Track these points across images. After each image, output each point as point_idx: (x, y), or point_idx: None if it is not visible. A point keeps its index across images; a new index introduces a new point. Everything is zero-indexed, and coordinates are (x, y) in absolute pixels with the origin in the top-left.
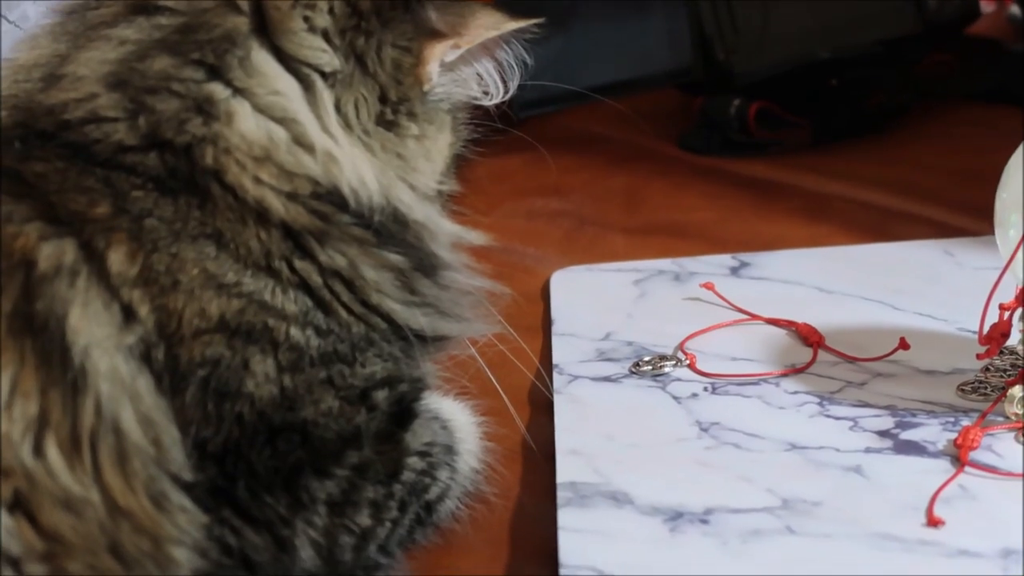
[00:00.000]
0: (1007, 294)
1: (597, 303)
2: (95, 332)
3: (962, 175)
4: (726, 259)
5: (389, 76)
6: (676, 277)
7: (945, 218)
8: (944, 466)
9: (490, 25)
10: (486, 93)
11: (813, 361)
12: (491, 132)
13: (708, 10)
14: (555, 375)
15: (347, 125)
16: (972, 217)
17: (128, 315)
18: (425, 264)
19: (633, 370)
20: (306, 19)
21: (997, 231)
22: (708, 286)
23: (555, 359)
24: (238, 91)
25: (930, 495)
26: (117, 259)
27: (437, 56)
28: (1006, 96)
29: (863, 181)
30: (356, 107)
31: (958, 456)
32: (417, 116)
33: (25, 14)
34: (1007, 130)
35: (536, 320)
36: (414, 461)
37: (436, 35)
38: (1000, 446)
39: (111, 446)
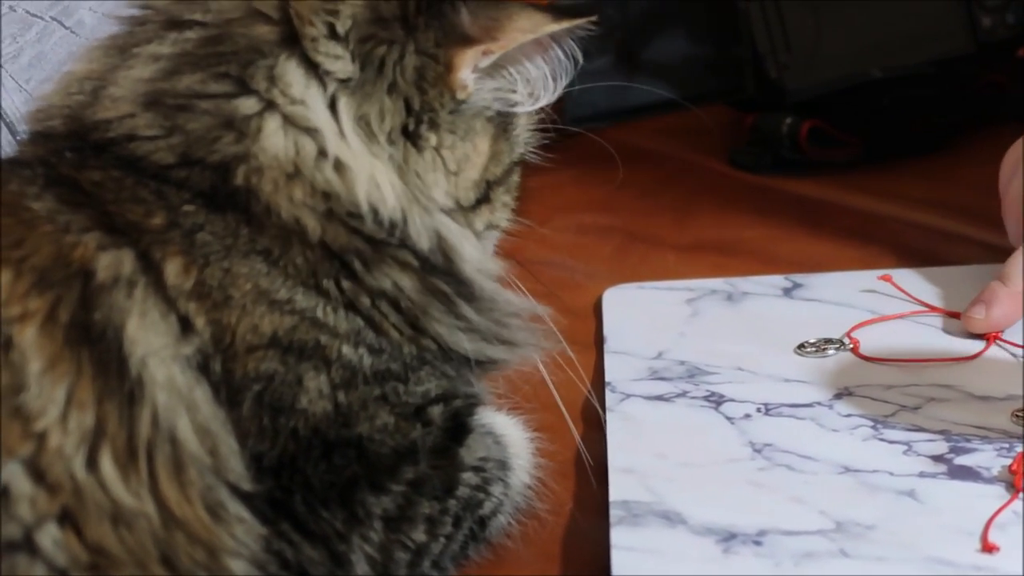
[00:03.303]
0: None
1: (649, 321)
2: (152, 342)
3: None
4: (779, 280)
5: (411, 85)
6: (728, 297)
7: (997, 240)
8: (999, 492)
9: (528, 28)
10: (532, 95)
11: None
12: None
13: (761, 28)
14: (607, 393)
15: (369, 136)
16: None
17: (185, 326)
18: (463, 291)
19: (798, 351)
20: (329, 25)
21: None
22: (886, 278)
23: (607, 377)
24: (266, 103)
25: (984, 521)
26: (173, 271)
27: (468, 63)
28: None
29: (914, 202)
30: (380, 117)
31: (1012, 482)
32: (439, 127)
33: (81, 20)
34: None
35: (587, 336)
36: (469, 476)
37: (468, 41)
38: None
39: (167, 456)
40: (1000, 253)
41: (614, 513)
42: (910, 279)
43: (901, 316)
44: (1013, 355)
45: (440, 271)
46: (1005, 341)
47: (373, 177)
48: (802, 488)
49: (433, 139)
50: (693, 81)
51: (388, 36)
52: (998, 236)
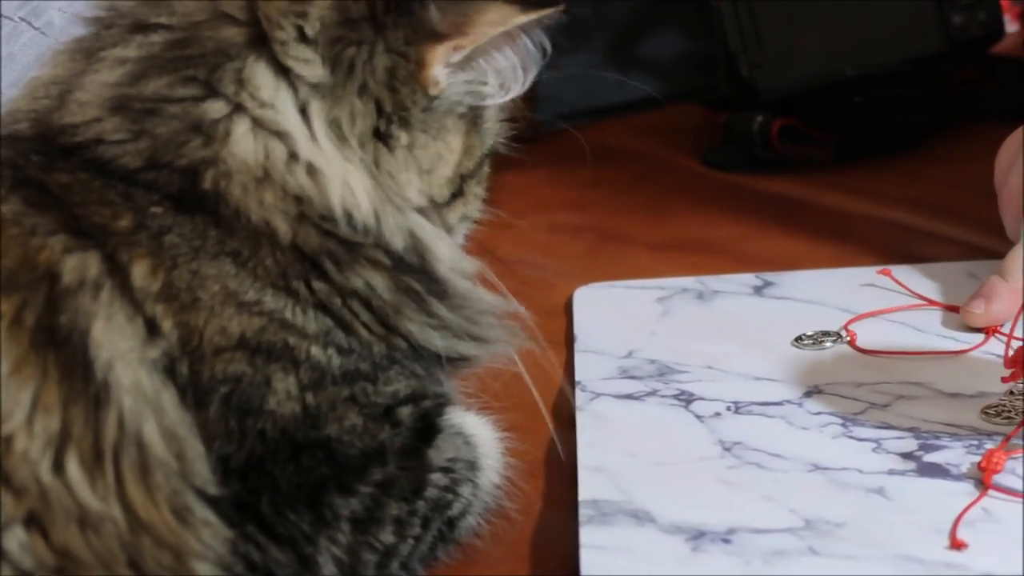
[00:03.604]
0: None
1: (620, 320)
2: (119, 345)
3: (986, 194)
4: (750, 278)
5: (382, 86)
6: (699, 296)
7: (970, 238)
8: (968, 489)
9: (497, 21)
10: (502, 87)
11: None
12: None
13: (733, 26)
14: (578, 392)
15: (340, 139)
16: (997, 237)
17: (152, 329)
18: (436, 289)
19: (795, 344)
20: (298, 28)
21: None
22: (885, 272)
23: (578, 376)
24: (234, 106)
25: (953, 518)
26: (140, 273)
27: (440, 60)
28: None
29: (887, 199)
30: (352, 120)
31: (982, 479)
32: (411, 126)
33: (51, 21)
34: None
35: (558, 335)
36: (437, 477)
37: (438, 37)
38: None
39: (134, 459)
40: (974, 250)
41: (583, 512)
42: (905, 274)
43: (900, 309)
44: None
45: (413, 269)
46: (1004, 334)
47: (346, 181)
48: (771, 486)
49: (405, 138)
50: (666, 80)
51: (357, 37)
52: (972, 233)
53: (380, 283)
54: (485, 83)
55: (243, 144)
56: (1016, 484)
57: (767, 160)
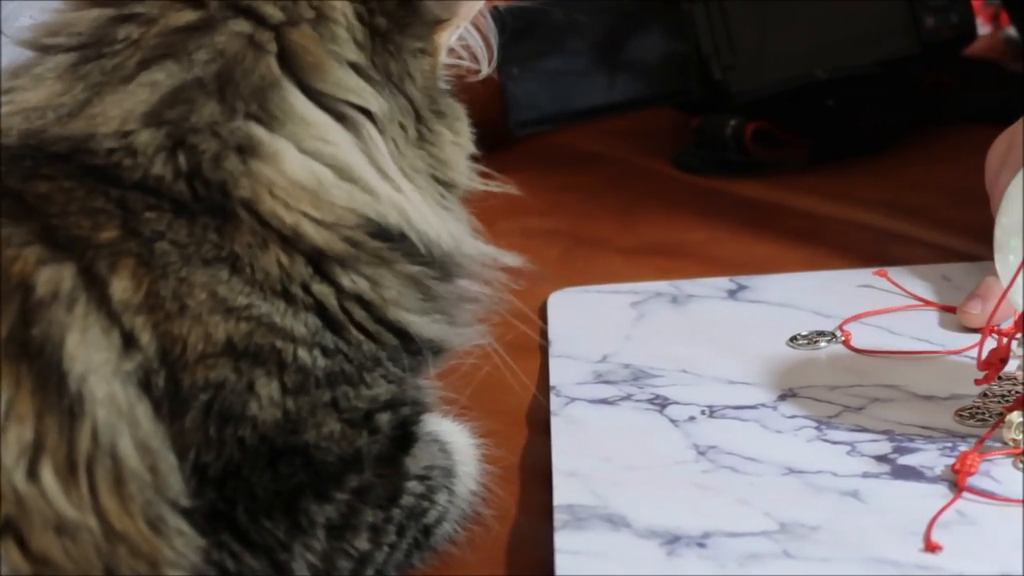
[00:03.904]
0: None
1: (594, 325)
2: (93, 358)
3: (959, 196)
4: (724, 282)
5: (421, 89)
6: (673, 300)
7: (943, 241)
8: (942, 491)
9: None
10: (472, 54)
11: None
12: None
13: (705, 30)
14: (552, 397)
15: (401, 167)
16: (970, 239)
17: (128, 342)
18: (446, 270)
19: (790, 343)
20: (334, 55)
21: (997, 256)
22: (881, 273)
23: (552, 381)
24: (283, 136)
25: (928, 520)
26: (121, 285)
27: (445, 43)
28: (1003, 117)
29: (860, 202)
30: (404, 132)
31: (956, 482)
32: (444, 115)
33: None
34: None
35: (532, 340)
36: (413, 485)
37: (440, 23)
38: (998, 472)
39: (108, 471)
40: (948, 253)
41: (558, 517)
42: (899, 275)
43: (897, 309)
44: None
45: (425, 259)
46: (1001, 332)
47: (423, 213)
48: (746, 490)
49: (448, 134)
50: (641, 84)
51: (392, 48)
52: (946, 236)
53: (386, 279)
54: (463, 58)
55: (294, 166)
56: (990, 486)
57: (740, 163)
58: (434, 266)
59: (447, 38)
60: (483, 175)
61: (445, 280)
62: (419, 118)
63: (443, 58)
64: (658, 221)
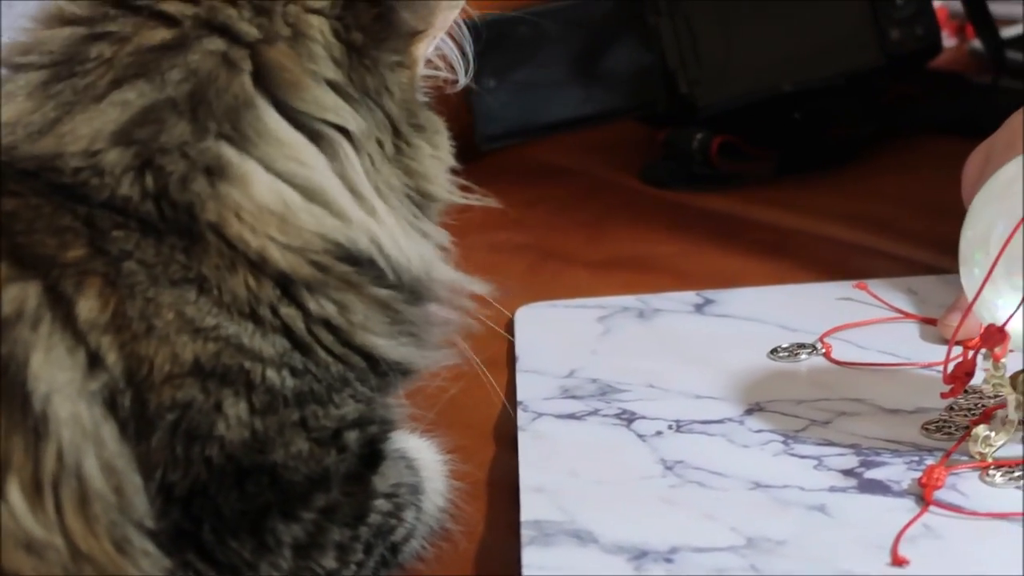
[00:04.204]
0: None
1: (561, 340)
2: (57, 378)
3: (925, 209)
4: (691, 296)
5: (399, 103)
6: (640, 314)
7: (908, 253)
8: (909, 505)
9: (450, 5)
10: (448, 64)
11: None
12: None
13: (671, 43)
14: (519, 412)
15: (376, 186)
16: (936, 252)
17: (94, 361)
18: (415, 293)
19: (770, 356)
20: (312, 73)
21: (962, 269)
22: (861, 286)
23: (519, 396)
24: (253, 158)
25: (895, 534)
26: (87, 305)
27: (423, 55)
28: (969, 129)
29: (826, 215)
30: (380, 148)
31: (923, 495)
32: (425, 129)
33: None
34: None
35: (500, 354)
36: (381, 503)
37: (416, 34)
38: (964, 485)
39: (73, 491)
40: (914, 266)
41: (525, 533)
42: (846, 290)
43: (878, 321)
44: None
45: (393, 283)
46: (967, 345)
47: (394, 235)
48: (713, 504)
49: (427, 148)
50: (607, 97)
51: (368, 63)
52: (910, 248)
53: (354, 304)
54: (439, 68)
55: (259, 189)
56: (957, 500)
57: (707, 177)
58: (403, 290)
59: (424, 49)
60: (463, 188)
61: (414, 303)
62: (397, 132)
63: (420, 70)
64: (625, 235)
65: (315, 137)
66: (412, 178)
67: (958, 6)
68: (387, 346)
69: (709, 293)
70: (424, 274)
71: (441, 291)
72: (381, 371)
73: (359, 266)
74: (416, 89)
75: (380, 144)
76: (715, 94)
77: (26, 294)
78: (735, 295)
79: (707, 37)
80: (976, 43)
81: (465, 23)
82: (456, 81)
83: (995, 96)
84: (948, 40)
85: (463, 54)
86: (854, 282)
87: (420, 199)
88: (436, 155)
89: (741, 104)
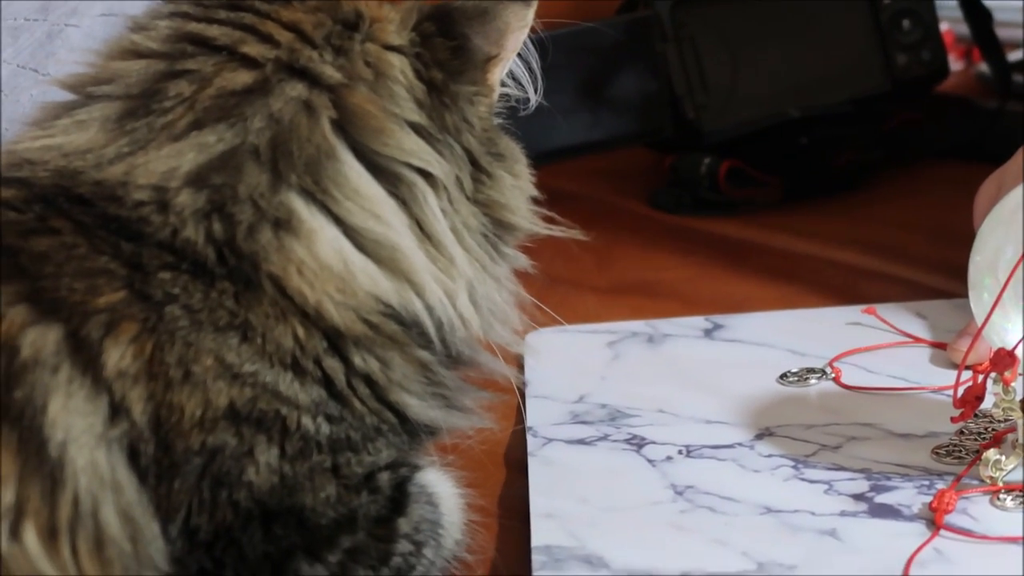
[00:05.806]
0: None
1: (571, 365)
2: (75, 424)
3: (933, 233)
4: (699, 321)
5: (479, 135)
6: (649, 339)
7: (917, 277)
8: (919, 529)
9: (520, 25)
10: (518, 83)
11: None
12: None
13: (678, 69)
14: (529, 438)
15: (454, 226)
16: (945, 276)
17: (116, 410)
18: (452, 357)
19: (780, 380)
20: (395, 118)
21: (971, 294)
22: (870, 311)
23: (529, 421)
24: (326, 213)
25: (905, 559)
26: (116, 352)
27: (498, 81)
28: (977, 154)
29: (834, 240)
30: (460, 191)
31: (933, 520)
32: (505, 158)
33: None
34: (978, 188)
35: (509, 381)
36: (404, 544)
37: (490, 59)
38: (975, 509)
39: (89, 535)
40: (922, 290)
41: (536, 559)
42: (854, 315)
43: (887, 346)
44: None
45: (433, 343)
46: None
47: (450, 292)
48: (724, 530)
49: (508, 178)
50: (612, 123)
51: (448, 101)
52: (918, 273)
53: (396, 362)
54: (507, 84)
55: (325, 248)
56: (968, 524)
57: (714, 202)
58: (443, 352)
59: (499, 75)
60: (547, 219)
61: (450, 367)
62: (477, 165)
63: (496, 97)
64: (633, 260)
65: (394, 181)
66: (493, 209)
67: (965, 30)
68: (419, 406)
69: (718, 318)
70: (478, 333)
71: (478, 358)
72: (409, 429)
73: (406, 326)
74: (492, 117)
75: (459, 182)
76: (721, 120)
77: (45, 339)
78: (744, 320)
79: (713, 63)
80: (983, 67)
81: (530, 38)
82: (528, 100)
83: (1002, 120)
84: (955, 64)
85: (530, 71)
86: (863, 307)
87: (500, 232)
88: (517, 184)
89: (747, 130)
